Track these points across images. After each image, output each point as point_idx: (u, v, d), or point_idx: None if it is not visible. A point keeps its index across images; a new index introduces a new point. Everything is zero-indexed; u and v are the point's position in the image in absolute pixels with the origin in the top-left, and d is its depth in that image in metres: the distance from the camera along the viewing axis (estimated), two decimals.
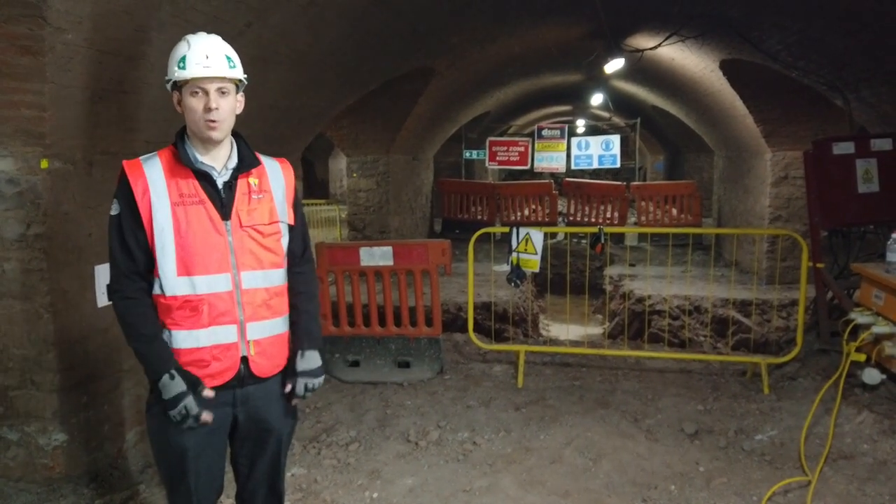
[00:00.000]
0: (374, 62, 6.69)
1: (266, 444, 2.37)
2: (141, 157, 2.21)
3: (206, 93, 2.12)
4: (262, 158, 2.35)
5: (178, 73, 2.13)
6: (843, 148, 5.20)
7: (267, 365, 2.29)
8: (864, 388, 4.51)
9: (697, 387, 5.22)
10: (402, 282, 5.51)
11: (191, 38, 2.17)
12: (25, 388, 3.38)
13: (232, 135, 2.28)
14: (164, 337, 2.19)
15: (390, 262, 5.43)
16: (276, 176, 2.35)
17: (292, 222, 2.37)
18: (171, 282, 2.15)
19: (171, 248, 2.13)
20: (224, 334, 2.20)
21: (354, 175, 10.53)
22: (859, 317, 4.57)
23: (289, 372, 2.39)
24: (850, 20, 5.15)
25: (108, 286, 2.21)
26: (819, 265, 5.34)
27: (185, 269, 2.15)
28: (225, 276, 2.18)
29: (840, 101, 6.55)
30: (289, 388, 2.37)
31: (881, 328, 4.39)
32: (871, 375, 4.44)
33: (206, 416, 2.16)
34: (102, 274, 3.57)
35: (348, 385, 5.32)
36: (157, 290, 2.18)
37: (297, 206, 2.40)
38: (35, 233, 3.25)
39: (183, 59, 2.12)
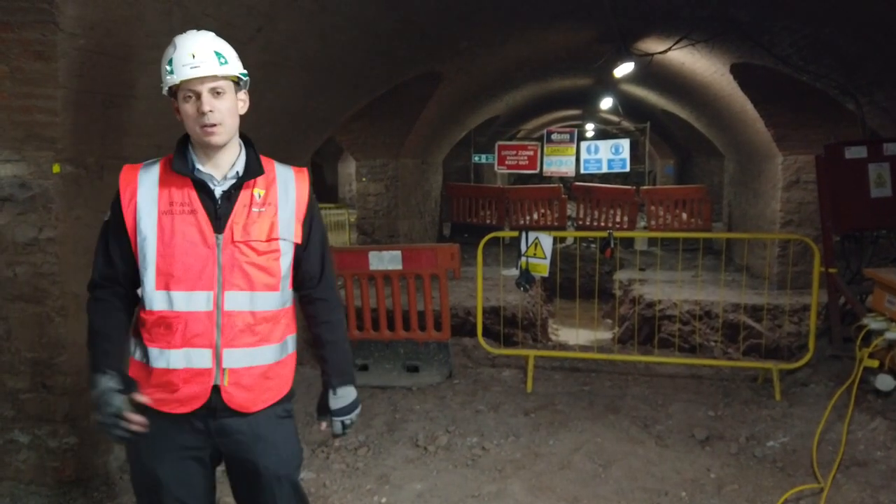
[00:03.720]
0: (383, 67, 6.71)
1: (256, 486, 2.11)
2: (144, 162, 2.09)
3: (198, 95, 1.95)
4: (276, 167, 2.15)
5: (167, 78, 1.97)
6: (856, 152, 5.16)
7: (245, 398, 2.04)
8: (878, 394, 4.47)
9: (708, 392, 5.18)
10: (410, 286, 5.51)
11: (177, 38, 2.01)
12: (37, 391, 3.40)
13: (242, 140, 2.12)
14: (140, 353, 2.04)
15: (399, 266, 5.43)
16: (287, 187, 2.11)
17: (299, 241, 2.12)
18: (150, 295, 2.00)
19: (153, 259, 1.98)
20: (197, 358, 1.99)
21: (364, 179, 10.55)
22: (872, 322, 4.53)
23: (321, 409, 2.27)
24: (861, 23, 5.11)
25: (88, 289, 2.10)
26: (831, 270, 5.30)
27: (164, 282, 1.98)
28: (206, 295, 1.98)
29: (852, 105, 6.50)
30: (324, 426, 2.27)
31: (894, 334, 4.35)
32: (885, 381, 4.39)
33: (139, 420, 1.93)
34: None
35: (357, 389, 5.31)
36: (140, 304, 2.06)
37: (309, 223, 2.15)
38: (47, 237, 3.28)
39: (170, 62, 1.97)
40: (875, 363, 4.45)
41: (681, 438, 4.34)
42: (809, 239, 5.49)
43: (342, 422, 2.26)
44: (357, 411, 2.30)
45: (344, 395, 2.26)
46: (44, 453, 3.43)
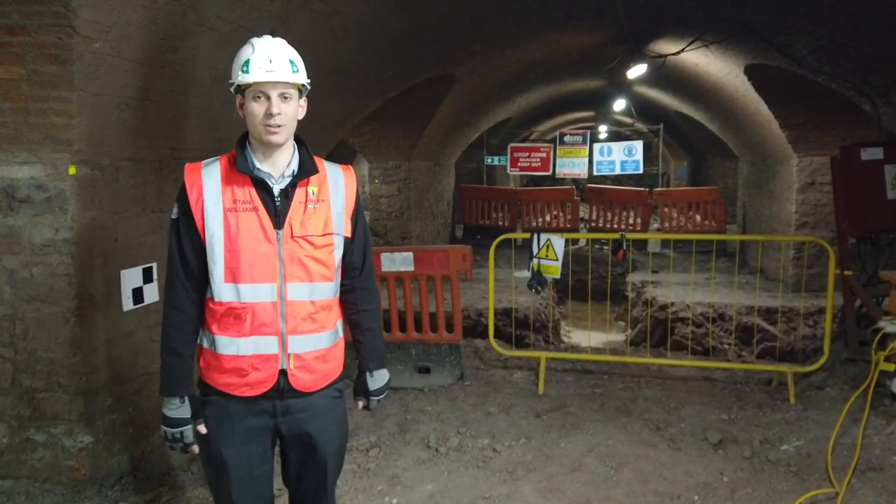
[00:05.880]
0: (395, 69, 6.72)
1: (311, 459, 2.31)
2: (204, 161, 2.21)
3: (268, 97, 2.09)
4: (325, 165, 2.29)
5: (241, 77, 2.09)
6: (872, 154, 5.11)
7: (308, 379, 2.23)
8: (894, 398, 4.41)
9: (721, 395, 5.15)
10: (422, 287, 5.52)
11: (255, 41, 2.14)
12: (52, 391, 3.44)
13: (295, 141, 2.25)
14: (208, 342, 2.20)
15: (411, 268, 5.44)
16: (337, 185, 2.27)
17: (349, 234, 2.29)
18: (218, 287, 2.14)
19: (220, 253, 2.13)
20: (265, 345, 2.17)
21: (376, 181, 10.59)
22: (888, 325, 4.47)
23: (358, 390, 2.50)
24: (877, 24, 5.06)
25: (165, 287, 2.24)
26: (847, 273, 5.25)
27: (232, 276, 2.13)
28: (270, 286, 2.15)
29: (868, 107, 6.44)
30: (361, 405, 2.51)
31: None
32: None
33: (195, 448, 2.23)
34: (128, 278, 3.63)
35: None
36: (208, 294, 2.19)
37: (357, 218, 2.33)
38: (63, 238, 3.32)
39: (247, 62, 2.09)
40: (891, 367, 4.40)
41: (693, 441, 4.31)
42: (824, 241, 5.45)
43: (378, 400, 2.51)
44: (386, 391, 2.55)
45: (379, 377, 2.49)
46: (59, 452, 3.47)
